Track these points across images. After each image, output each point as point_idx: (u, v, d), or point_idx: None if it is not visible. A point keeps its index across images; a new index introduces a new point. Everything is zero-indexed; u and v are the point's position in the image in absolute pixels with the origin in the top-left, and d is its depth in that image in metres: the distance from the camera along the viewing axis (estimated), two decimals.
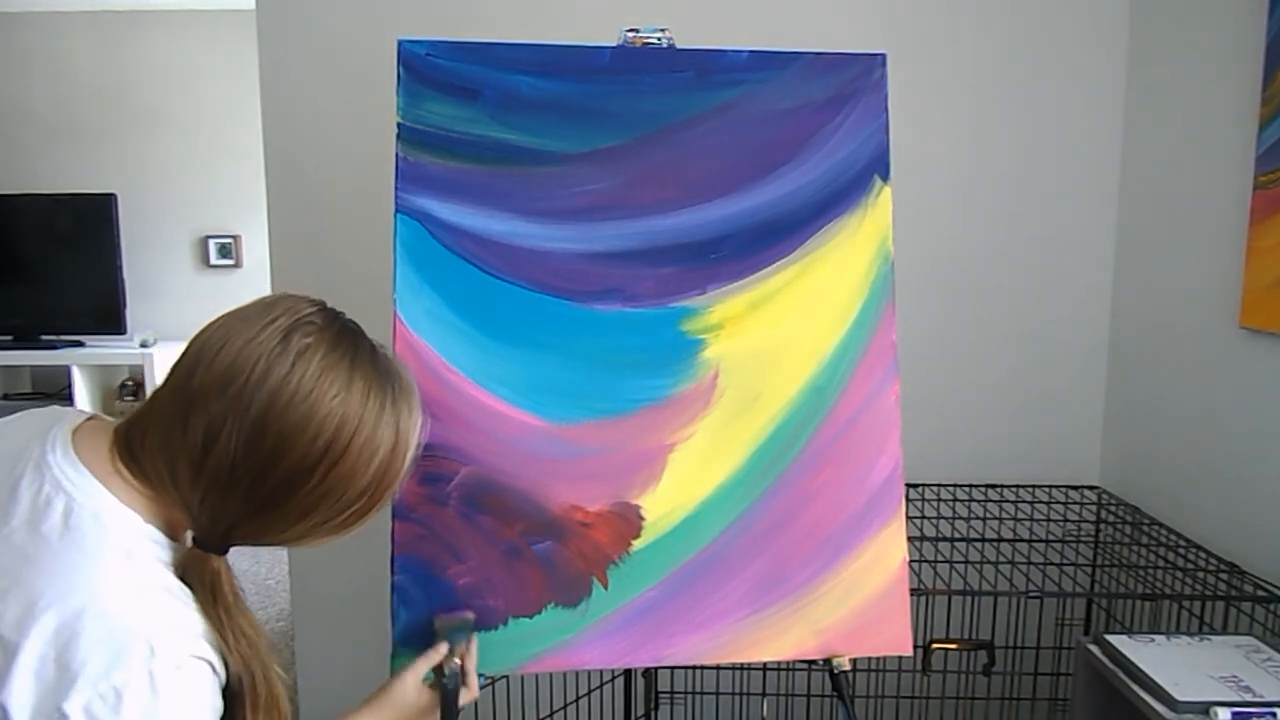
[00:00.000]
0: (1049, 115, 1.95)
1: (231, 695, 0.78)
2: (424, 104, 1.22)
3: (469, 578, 1.17)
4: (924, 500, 1.91)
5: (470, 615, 1.16)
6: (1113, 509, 1.88)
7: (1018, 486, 1.97)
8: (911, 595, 1.26)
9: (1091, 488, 1.99)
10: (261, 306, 0.81)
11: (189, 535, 0.81)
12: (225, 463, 0.75)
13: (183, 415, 0.76)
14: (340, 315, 0.85)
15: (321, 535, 0.83)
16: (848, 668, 1.23)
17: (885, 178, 1.29)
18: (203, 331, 0.80)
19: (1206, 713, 1.13)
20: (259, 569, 3.47)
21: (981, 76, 1.94)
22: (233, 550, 0.81)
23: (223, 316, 0.81)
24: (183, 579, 0.77)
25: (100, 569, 0.72)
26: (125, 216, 3.94)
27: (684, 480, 1.22)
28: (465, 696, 1.10)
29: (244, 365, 0.76)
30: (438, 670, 1.08)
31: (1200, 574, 1.55)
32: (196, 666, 0.74)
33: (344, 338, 0.81)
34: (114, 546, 0.74)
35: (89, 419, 0.84)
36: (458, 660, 1.10)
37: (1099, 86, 1.94)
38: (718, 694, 2.01)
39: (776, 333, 1.25)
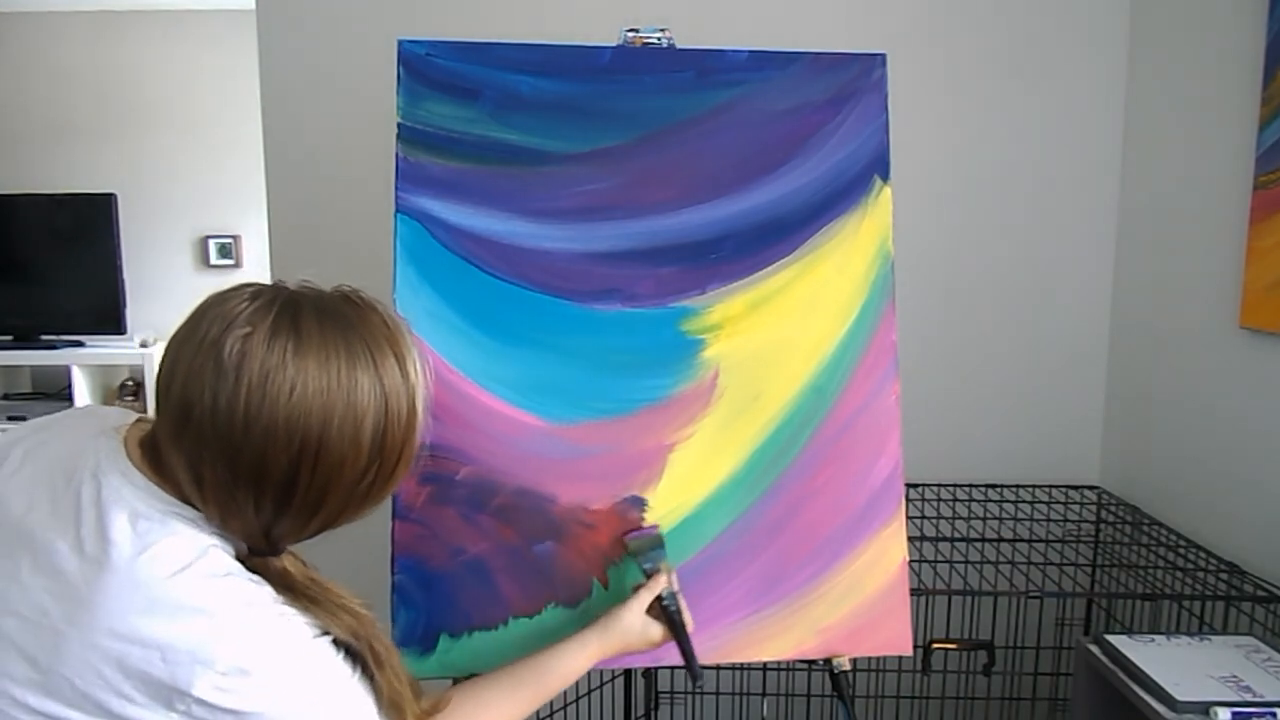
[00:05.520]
0: (1049, 115, 1.95)
1: (353, 660, 0.80)
2: (424, 104, 1.22)
3: (469, 578, 1.17)
4: (924, 500, 1.91)
5: (658, 528, 1.18)
6: (1113, 509, 1.88)
7: (1018, 486, 1.96)
8: (911, 595, 1.26)
9: (1091, 488, 1.99)
10: (193, 321, 0.77)
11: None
12: (221, 489, 0.75)
13: (168, 451, 0.76)
14: (280, 293, 0.79)
15: (353, 512, 0.82)
16: (848, 668, 1.23)
17: (885, 178, 1.29)
18: (160, 360, 0.78)
19: (1206, 713, 1.13)
20: None
21: (981, 77, 1.94)
22: None
23: (170, 340, 0.78)
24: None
25: (178, 568, 0.73)
26: (125, 216, 3.93)
27: (684, 480, 1.22)
28: (689, 625, 1.11)
29: (192, 398, 0.73)
30: (656, 598, 1.10)
31: (1200, 574, 1.55)
32: (294, 623, 0.77)
33: (281, 323, 0.75)
34: (186, 546, 0.75)
35: (134, 423, 0.84)
36: (667, 578, 1.12)
37: (1099, 86, 1.94)
38: (718, 694, 2.01)
39: (776, 333, 1.25)
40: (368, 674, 0.81)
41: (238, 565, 0.77)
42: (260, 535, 0.78)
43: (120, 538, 0.73)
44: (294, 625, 0.77)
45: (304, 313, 0.77)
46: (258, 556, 0.79)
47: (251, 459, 0.74)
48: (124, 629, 0.70)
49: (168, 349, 0.77)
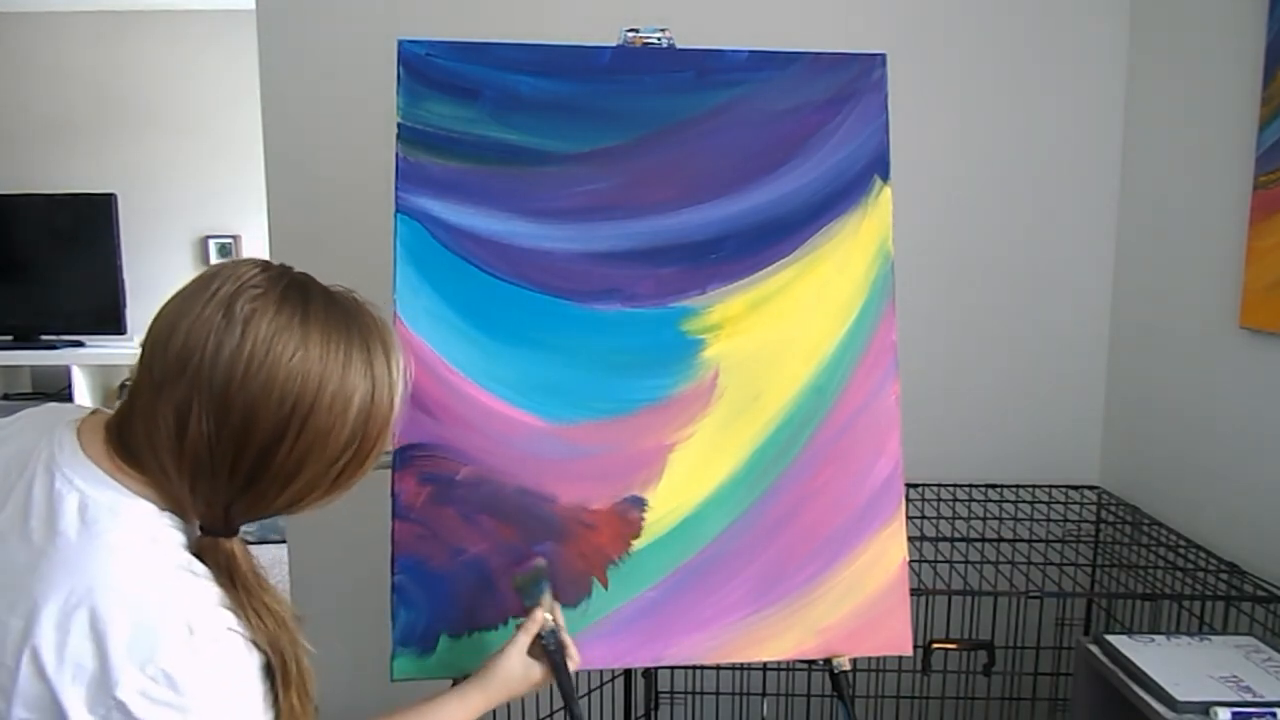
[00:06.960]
0: (1049, 115, 1.95)
1: (270, 682, 0.79)
2: (424, 104, 1.22)
3: (469, 578, 1.17)
4: (924, 500, 1.91)
5: (542, 561, 1.16)
6: (1113, 509, 1.88)
7: (1018, 486, 1.96)
8: (911, 595, 1.26)
9: (1091, 488, 1.99)
10: (203, 281, 0.78)
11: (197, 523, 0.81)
12: (201, 445, 0.75)
13: (152, 406, 0.76)
14: (287, 270, 0.82)
15: (318, 496, 0.82)
16: (848, 668, 1.23)
17: (885, 178, 1.29)
18: (155, 318, 0.79)
19: (1206, 713, 1.13)
20: None
21: (982, 76, 1.94)
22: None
23: (170, 299, 0.79)
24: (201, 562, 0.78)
25: (124, 558, 0.73)
26: (125, 216, 3.93)
27: (684, 480, 1.22)
28: (571, 663, 1.08)
29: (195, 345, 0.74)
30: (537, 636, 1.06)
31: (1200, 574, 1.55)
32: (233, 638, 0.76)
33: (291, 293, 0.79)
34: (134, 535, 0.74)
35: (90, 414, 0.83)
36: (550, 618, 1.08)
37: (1099, 87, 1.94)
38: (718, 694, 2.01)
39: (776, 333, 1.25)
40: (274, 693, 0.79)
41: (188, 558, 0.77)
42: (221, 509, 0.78)
43: (67, 527, 0.73)
44: (235, 645, 0.75)
45: (311, 291, 0.81)
46: (210, 536, 0.78)
47: (243, 413, 0.75)
48: (62, 620, 0.69)
49: (167, 306, 0.78)
